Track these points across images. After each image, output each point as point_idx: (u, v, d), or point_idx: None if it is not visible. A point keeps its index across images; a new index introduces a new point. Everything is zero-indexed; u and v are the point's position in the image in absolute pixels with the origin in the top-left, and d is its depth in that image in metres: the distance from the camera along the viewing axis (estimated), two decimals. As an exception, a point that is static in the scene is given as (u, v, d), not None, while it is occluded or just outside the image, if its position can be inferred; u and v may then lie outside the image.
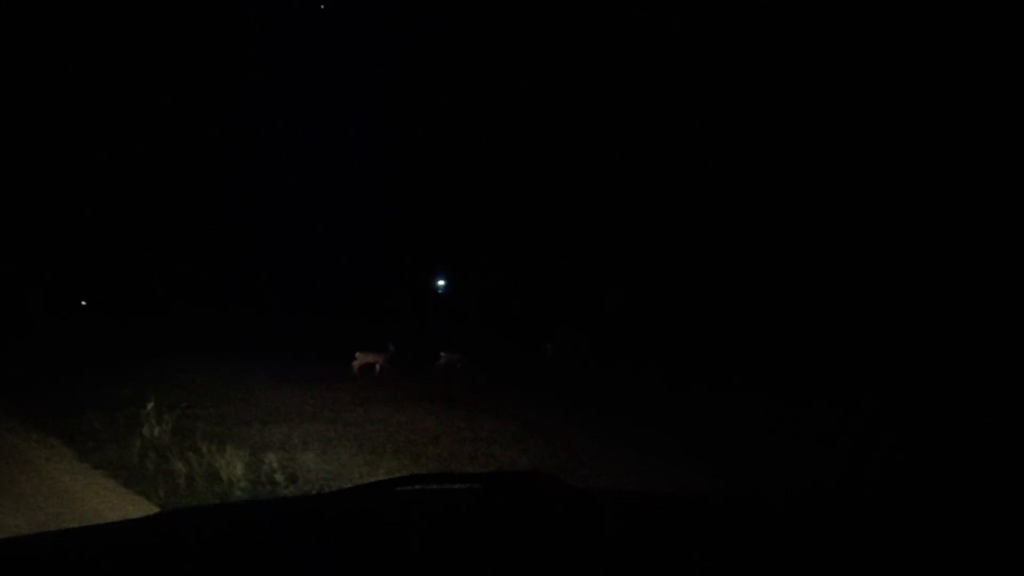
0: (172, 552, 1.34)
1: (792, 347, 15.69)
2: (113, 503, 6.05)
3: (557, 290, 25.41)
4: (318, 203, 34.05)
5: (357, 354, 14.10)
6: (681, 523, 1.50)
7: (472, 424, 9.34)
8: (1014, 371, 11.75)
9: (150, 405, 8.06)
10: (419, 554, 1.28)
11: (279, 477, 6.37)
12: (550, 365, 16.28)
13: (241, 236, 34.51)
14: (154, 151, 32.43)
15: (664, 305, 21.30)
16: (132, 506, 5.95)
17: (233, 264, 34.30)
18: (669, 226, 22.80)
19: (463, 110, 29.43)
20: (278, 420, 9.15)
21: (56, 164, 31.40)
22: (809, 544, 1.35)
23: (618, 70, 24.22)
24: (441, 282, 32.12)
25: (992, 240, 16.27)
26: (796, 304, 18.23)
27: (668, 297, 21.59)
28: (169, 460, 6.88)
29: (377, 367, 14.00)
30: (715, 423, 9.64)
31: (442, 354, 15.13)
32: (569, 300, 24.35)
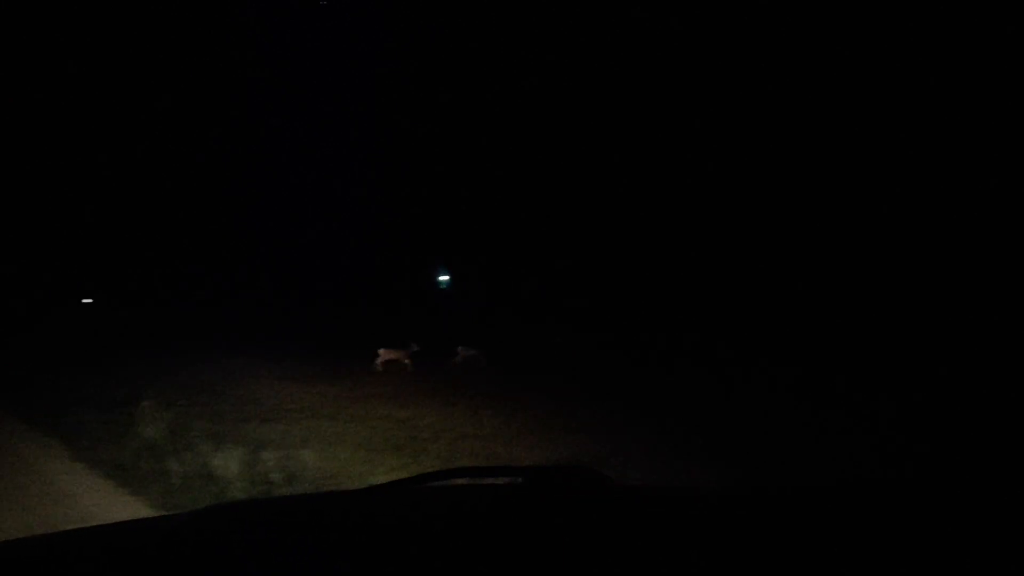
0: (192, 550, 1.30)
1: (804, 337, 15.55)
2: (106, 504, 5.91)
3: (564, 283, 25.30)
4: (320, 201, 33.97)
5: (380, 351, 14.15)
6: (727, 519, 1.49)
7: (475, 420, 9.20)
8: (1018, 369, 11.59)
9: (145, 403, 7.93)
10: (455, 550, 1.25)
11: (276, 476, 6.23)
12: (563, 357, 16.12)
13: (245, 234, 34.46)
14: (155, 150, 32.36)
15: (675, 296, 21.13)
16: (125, 507, 5.81)
17: (237, 262, 34.24)
18: (683, 218, 22.62)
19: (463, 110, 29.32)
20: (277, 417, 9.01)
21: (58, 164, 31.34)
22: (851, 540, 1.32)
23: (618, 70, 24.04)
24: (444, 277, 32.00)
25: (994, 238, 16.07)
26: (806, 295, 18.05)
27: (679, 287, 21.41)
28: (164, 459, 6.75)
29: (406, 363, 14.01)
30: (729, 417, 9.47)
31: (459, 349, 15.02)
32: (578, 292, 24.21)
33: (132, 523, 1.61)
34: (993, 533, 1.33)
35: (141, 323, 24.19)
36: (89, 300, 32.98)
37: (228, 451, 6.64)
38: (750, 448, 7.74)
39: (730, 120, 21.63)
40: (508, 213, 28.23)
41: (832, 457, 7.47)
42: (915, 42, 17.32)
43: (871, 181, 18.83)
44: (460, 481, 1.81)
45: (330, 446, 7.46)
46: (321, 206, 34.09)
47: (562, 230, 26.34)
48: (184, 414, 8.78)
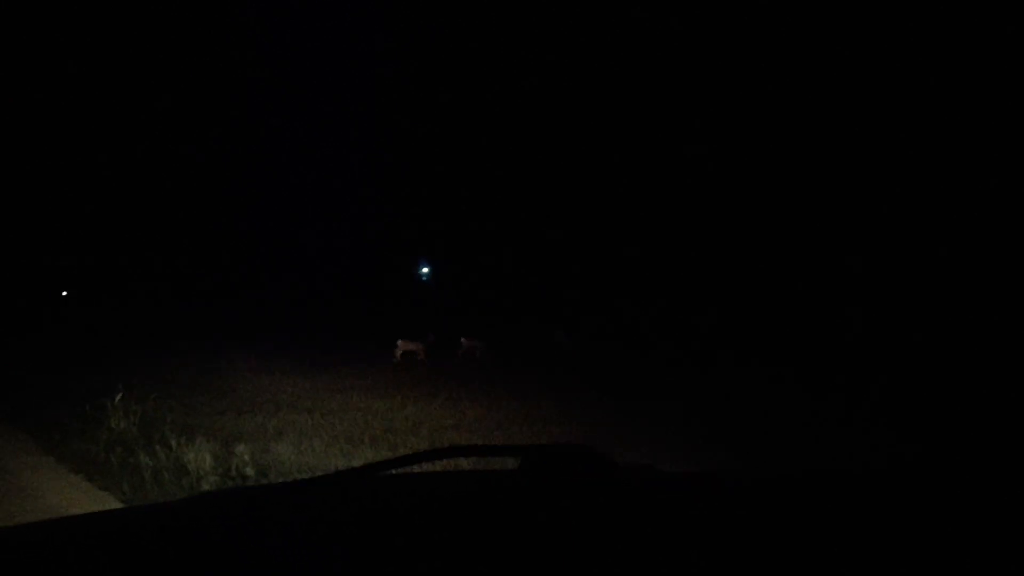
0: (167, 541, 1.23)
1: (804, 333, 15.49)
2: (74, 499, 5.77)
3: (564, 275, 25.12)
4: (308, 195, 33.68)
5: (399, 342, 14.42)
6: (735, 503, 1.43)
7: (455, 411, 9.10)
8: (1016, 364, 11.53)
9: (118, 397, 7.77)
10: (445, 540, 1.17)
11: (250, 470, 6.11)
12: (562, 350, 16.01)
13: (233, 228, 34.09)
14: (144, 143, 31.93)
15: (678, 292, 20.99)
16: (94, 502, 5.68)
17: (224, 256, 33.88)
18: (685, 214, 22.48)
19: (450, 101, 29.08)
20: (253, 410, 8.86)
21: (45, 156, 30.81)
22: (859, 528, 1.26)
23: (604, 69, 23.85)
24: (425, 269, 31.78)
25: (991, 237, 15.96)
26: (806, 291, 17.94)
27: (682, 284, 21.27)
28: (136, 453, 6.60)
29: (419, 355, 14.32)
30: (728, 413, 9.34)
31: (463, 340, 15.05)
32: (578, 285, 24.03)
33: (102, 514, 1.52)
34: (981, 526, 1.29)
35: (125, 318, 23.87)
36: (65, 293, 32.49)
37: (201, 444, 6.52)
38: (747, 442, 7.63)
39: (729, 116, 21.52)
40: (500, 205, 28.00)
41: (831, 452, 7.37)
42: (915, 42, 17.24)
43: (867, 179, 18.77)
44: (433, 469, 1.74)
45: (306, 438, 7.33)
46: (304, 200, 33.82)
47: (561, 225, 26.13)
48: (159, 407, 8.60)
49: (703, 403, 10.01)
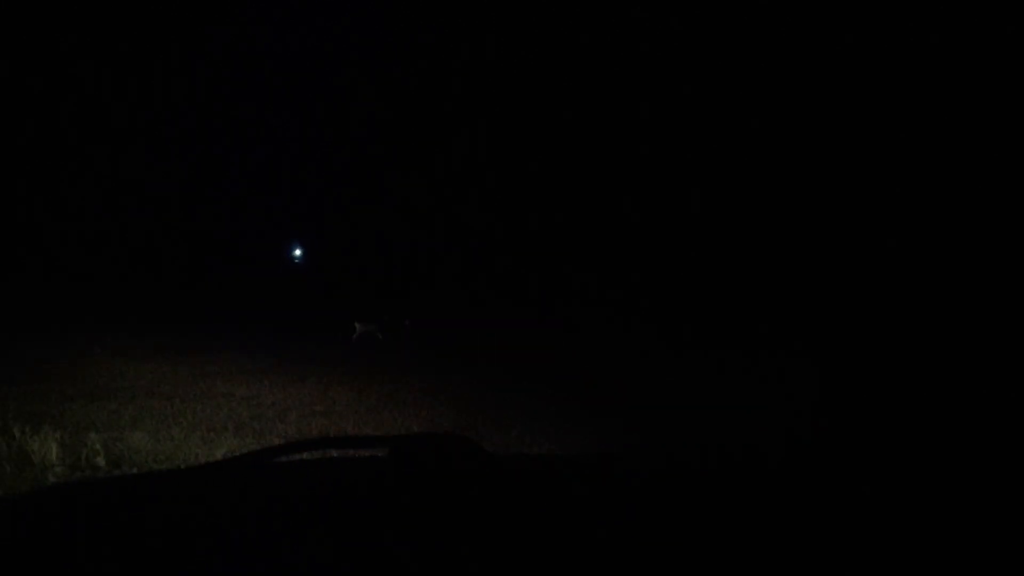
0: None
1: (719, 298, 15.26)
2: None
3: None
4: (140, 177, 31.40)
5: (356, 324, 14.70)
6: (606, 486, 1.46)
7: (325, 396, 9.00)
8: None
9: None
10: (307, 535, 1.17)
11: (101, 460, 5.83)
12: (461, 331, 15.89)
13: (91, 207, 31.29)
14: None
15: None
16: (-78, 497, 5.26)
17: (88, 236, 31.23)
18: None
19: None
20: (107, 396, 8.42)
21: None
22: (736, 507, 1.35)
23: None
24: (297, 251, 30.82)
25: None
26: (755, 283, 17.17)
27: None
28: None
29: (379, 336, 14.66)
30: (630, 388, 9.42)
31: (357, 325, 14.86)
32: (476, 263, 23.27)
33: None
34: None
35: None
36: None
37: (48, 433, 6.15)
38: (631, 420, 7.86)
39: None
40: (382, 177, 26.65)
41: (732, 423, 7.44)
42: (915, 42, 16.91)
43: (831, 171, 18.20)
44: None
45: (164, 426, 7.06)
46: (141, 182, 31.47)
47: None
48: (2, 394, 8.03)
49: (605, 381, 10.12)
